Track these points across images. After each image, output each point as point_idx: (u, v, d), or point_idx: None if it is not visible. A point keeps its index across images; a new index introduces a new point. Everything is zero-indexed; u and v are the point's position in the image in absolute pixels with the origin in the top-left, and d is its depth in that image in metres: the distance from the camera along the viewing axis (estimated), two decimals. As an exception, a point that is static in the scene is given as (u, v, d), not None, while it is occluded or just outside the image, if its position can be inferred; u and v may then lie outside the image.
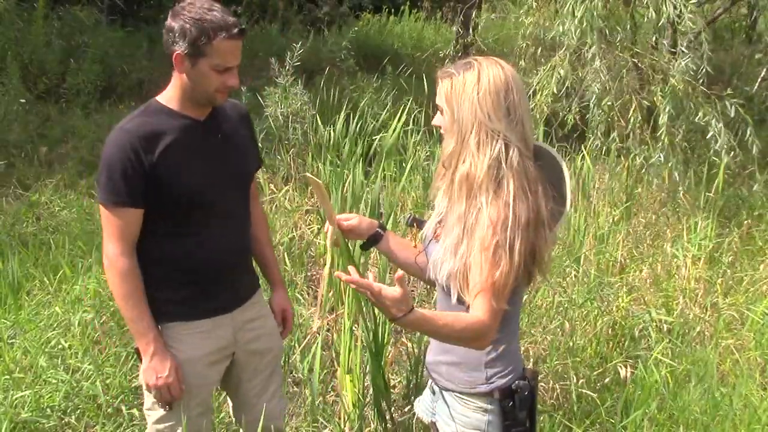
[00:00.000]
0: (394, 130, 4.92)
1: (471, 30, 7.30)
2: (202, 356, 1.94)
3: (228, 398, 2.21)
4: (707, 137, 4.12)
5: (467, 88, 1.50)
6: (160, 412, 1.93)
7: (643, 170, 4.57)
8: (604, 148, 4.77)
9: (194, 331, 1.92)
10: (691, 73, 4.13)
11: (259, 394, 2.09)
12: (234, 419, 2.20)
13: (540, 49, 5.28)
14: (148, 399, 1.96)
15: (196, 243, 1.88)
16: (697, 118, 4.16)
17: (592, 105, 4.49)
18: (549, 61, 4.85)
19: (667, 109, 4.08)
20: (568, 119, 4.83)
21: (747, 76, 5.03)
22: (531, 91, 4.80)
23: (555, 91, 4.68)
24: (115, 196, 1.81)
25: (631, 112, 4.44)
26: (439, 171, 1.65)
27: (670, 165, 4.26)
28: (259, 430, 1.91)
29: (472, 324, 1.48)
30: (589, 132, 4.66)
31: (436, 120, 1.61)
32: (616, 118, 4.55)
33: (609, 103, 4.43)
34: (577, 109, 4.82)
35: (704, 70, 4.09)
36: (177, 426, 1.93)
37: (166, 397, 1.86)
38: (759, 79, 4.76)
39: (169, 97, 1.87)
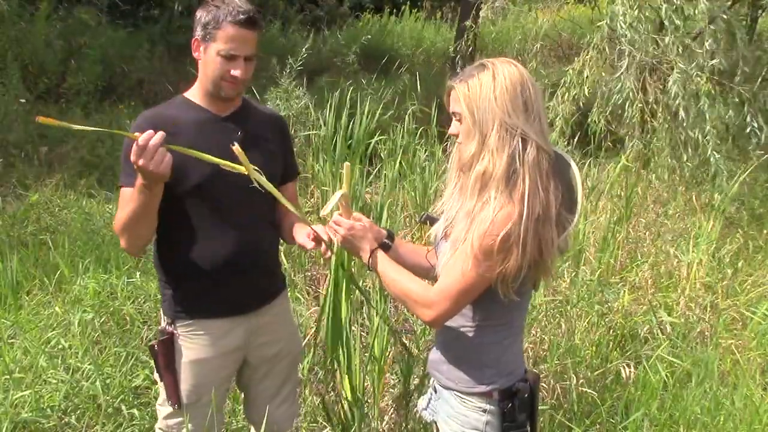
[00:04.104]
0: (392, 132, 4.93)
1: (473, 27, 7.28)
2: (213, 357, 1.94)
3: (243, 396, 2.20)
4: (746, 131, 4.09)
5: (484, 88, 1.50)
6: (170, 408, 1.93)
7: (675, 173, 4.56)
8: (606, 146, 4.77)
9: (207, 332, 1.92)
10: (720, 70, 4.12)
11: (271, 397, 2.09)
12: (246, 417, 2.21)
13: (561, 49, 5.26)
14: (162, 394, 1.97)
15: (206, 239, 1.86)
16: (727, 115, 4.14)
17: (628, 105, 4.48)
18: (575, 61, 4.83)
19: (701, 106, 4.04)
20: (598, 120, 4.82)
21: (747, 75, 5.02)
22: (554, 93, 4.79)
23: (587, 94, 4.66)
24: (125, 178, 1.80)
25: (660, 111, 4.42)
26: (452, 177, 1.66)
27: (714, 162, 4.23)
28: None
29: (422, 295, 1.57)
30: (626, 130, 4.65)
31: (453, 128, 1.60)
32: (649, 117, 4.53)
33: (640, 105, 4.41)
34: (603, 110, 4.81)
35: (740, 65, 4.07)
36: (183, 425, 1.93)
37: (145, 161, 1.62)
38: (759, 79, 4.75)
39: (192, 90, 1.91)
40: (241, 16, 1.77)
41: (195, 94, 1.90)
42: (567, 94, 4.70)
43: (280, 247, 2.12)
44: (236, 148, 1.67)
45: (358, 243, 1.71)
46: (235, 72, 1.80)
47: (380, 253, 1.69)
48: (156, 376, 1.96)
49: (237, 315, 1.95)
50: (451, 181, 1.68)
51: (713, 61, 4.05)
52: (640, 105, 4.45)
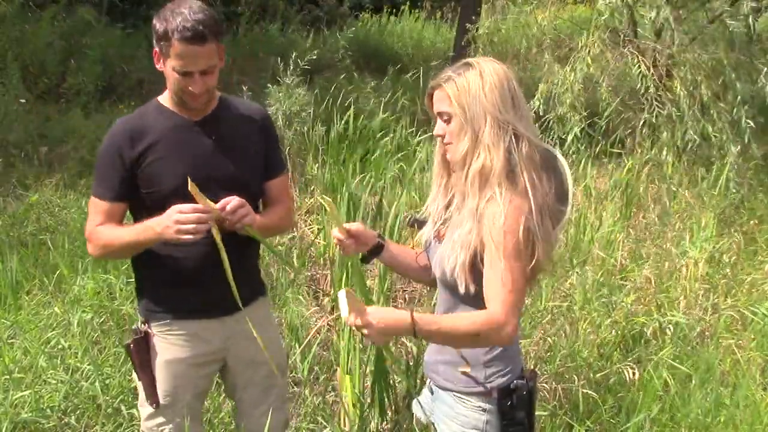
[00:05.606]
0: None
1: (472, 29, 7.27)
2: (187, 358, 1.92)
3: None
4: None
5: (473, 85, 1.51)
6: (149, 409, 1.93)
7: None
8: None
9: (180, 332, 1.92)
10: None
11: (254, 405, 2.06)
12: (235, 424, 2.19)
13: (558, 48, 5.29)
14: (141, 394, 1.96)
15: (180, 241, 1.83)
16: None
17: (640, 76, 4.54)
18: (573, 55, 4.84)
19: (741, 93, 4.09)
20: (607, 103, 4.83)
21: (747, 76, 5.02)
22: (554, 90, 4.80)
23: (592, 70, 4.68)
24: (97, 188, 1.86)
25: (687, 105, 4.45)
26: (435, 178, 1.67)
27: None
28: None
29: (486, 321, 1.46)
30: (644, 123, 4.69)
31: (439, 129, 1.59)
32: (662, 90, 4.56)
33: (653, 77, 4.44)
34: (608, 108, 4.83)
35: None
36: (164, 425, 1.93)
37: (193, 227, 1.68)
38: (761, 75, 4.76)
39: (165, 95, 1.89)
40: (188, 33, 1.67)
41: (167, 99, 1.88)
42: (574, 74, 4.70)
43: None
44: (192, 187, 1.66)
45: (392, 324, 1.46)
46: (192, 88, 1.76)
47: (417, 315, 1.45)
48: (134, 376, 1.97)
49: (211, 317, 1.93)
50: (434, 182, 1.68)
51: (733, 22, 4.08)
52: (653, 78, 4.47)
